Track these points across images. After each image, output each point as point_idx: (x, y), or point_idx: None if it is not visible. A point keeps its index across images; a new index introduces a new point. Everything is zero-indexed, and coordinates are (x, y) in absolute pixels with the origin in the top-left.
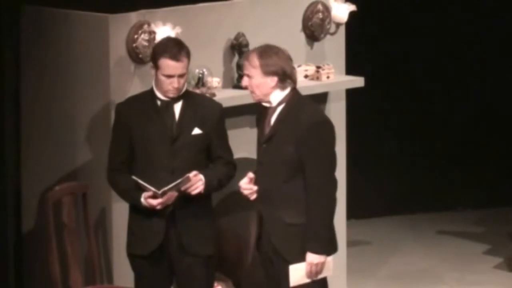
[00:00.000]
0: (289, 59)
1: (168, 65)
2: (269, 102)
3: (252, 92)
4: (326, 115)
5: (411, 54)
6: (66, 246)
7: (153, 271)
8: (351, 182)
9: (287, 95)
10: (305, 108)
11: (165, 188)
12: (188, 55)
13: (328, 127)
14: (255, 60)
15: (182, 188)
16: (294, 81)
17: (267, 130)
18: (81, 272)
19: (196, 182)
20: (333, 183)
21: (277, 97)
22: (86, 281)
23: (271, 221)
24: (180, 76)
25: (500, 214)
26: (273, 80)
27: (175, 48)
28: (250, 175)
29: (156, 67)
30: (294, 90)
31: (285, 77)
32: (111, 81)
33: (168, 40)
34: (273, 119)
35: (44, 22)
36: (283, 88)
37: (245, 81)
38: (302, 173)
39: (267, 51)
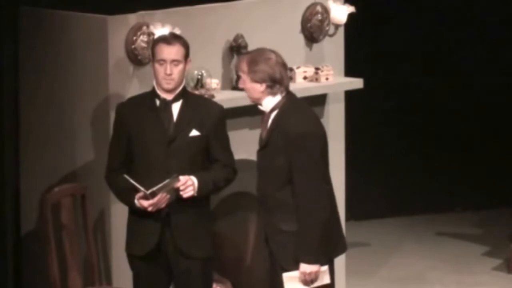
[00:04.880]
0: (280, 64)
1: (161, 48)
2: (263, 106)
3: (247, 93)
4: (312, 125)
5: (410, 55)
6: (65, 247)
7: (150, 272)
8: (350, 183)
9: (280, 101)
10: (293, 117)
11: (154, 189)
12: (184, 45)
13: (312, 138)
14: (244, 65)
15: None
16: (285, 87)
17: (263, 135)
18: (80, 274)
19: (186, 182)
20: (321, 192)
21: (269, 103)
22: (85, 283)
23: (268, 226)
24: (174, 62)
25: (499, 216)
26: (262, 86)
27: (169, 35)
28: None
29: (153, 56)
30: (289, 95)
31: (274, 83)
32: (110, 82)
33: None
34: (268, 125)
35: (43, 24)
36: (273, 94)
37: (241, 83)
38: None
39: (256, 58)
